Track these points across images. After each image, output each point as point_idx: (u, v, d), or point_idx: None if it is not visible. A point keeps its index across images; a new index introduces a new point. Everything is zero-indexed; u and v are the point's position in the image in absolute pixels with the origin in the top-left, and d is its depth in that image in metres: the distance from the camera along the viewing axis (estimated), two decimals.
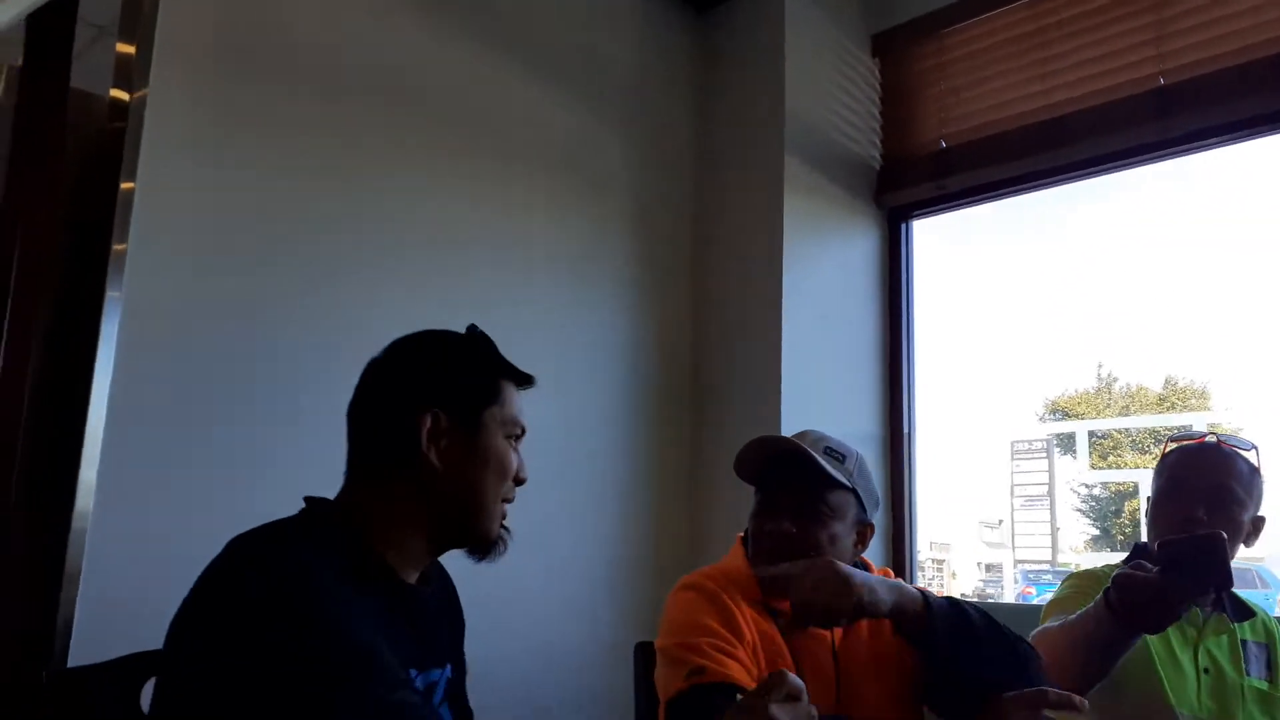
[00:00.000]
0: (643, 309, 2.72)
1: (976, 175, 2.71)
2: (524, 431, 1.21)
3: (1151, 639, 1.60)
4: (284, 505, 1.10)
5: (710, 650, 1.35)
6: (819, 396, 2.67)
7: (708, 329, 2.82)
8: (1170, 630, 1.61)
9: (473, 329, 1.23)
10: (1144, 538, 1.77)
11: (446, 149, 2.32)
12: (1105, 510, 19.18)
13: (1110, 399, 18.57)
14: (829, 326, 2.75)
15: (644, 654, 1.68)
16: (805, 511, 1.46)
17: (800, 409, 2.59)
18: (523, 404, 1.22)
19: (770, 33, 2.77)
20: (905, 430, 2.82)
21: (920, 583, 2.85)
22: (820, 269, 2.75)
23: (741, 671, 1.34)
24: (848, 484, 1.49)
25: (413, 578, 1.12)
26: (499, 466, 1.15)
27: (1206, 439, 1.71)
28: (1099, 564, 1.87)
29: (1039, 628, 1.65)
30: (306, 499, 1.11)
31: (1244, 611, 1.70)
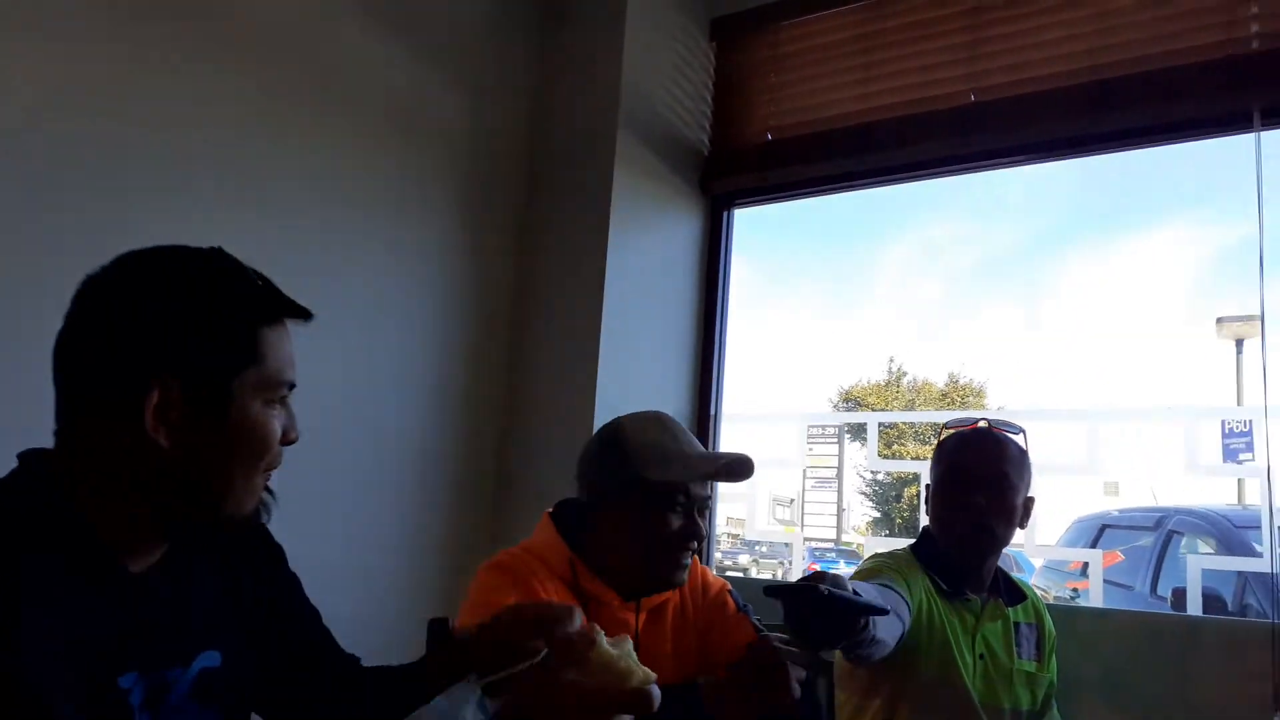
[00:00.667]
0: (462, 272, 2.63)
1: (798, 170, 2.78)
2: (293, 386, 0.98)
3: (938, 627, 1.68)
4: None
5: None
6: (634, 374, 2.69)
7: (528, 299, 2.77)
8: (953, 618, 1.71)
9: (219, 254, 0.95)
10: (924, 522, 1.87)
11: (259, 81, 2.13)
12: (887, 495, 20.70)
13: (898, 392, 20.02)
14: (649, 306, 2.76)
15: (438, 631, 1.62)
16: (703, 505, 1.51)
17: (616, 386, 2.60)
18: (299, 346, 0.99)
19: (612, 1, 2.74)
20: (712, 412, 2.89)
21: (716, 559, 2.93)
22: (644, 249, 2.76)
23: None
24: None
25: (143, 560, 0.93)
26: (254, 442, 0.92)
27: (979, 424, 1.80)
28: (877, 548, 1.97)
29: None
30: (21, 455, 0.92)
31: (1017, 595, 1.82)
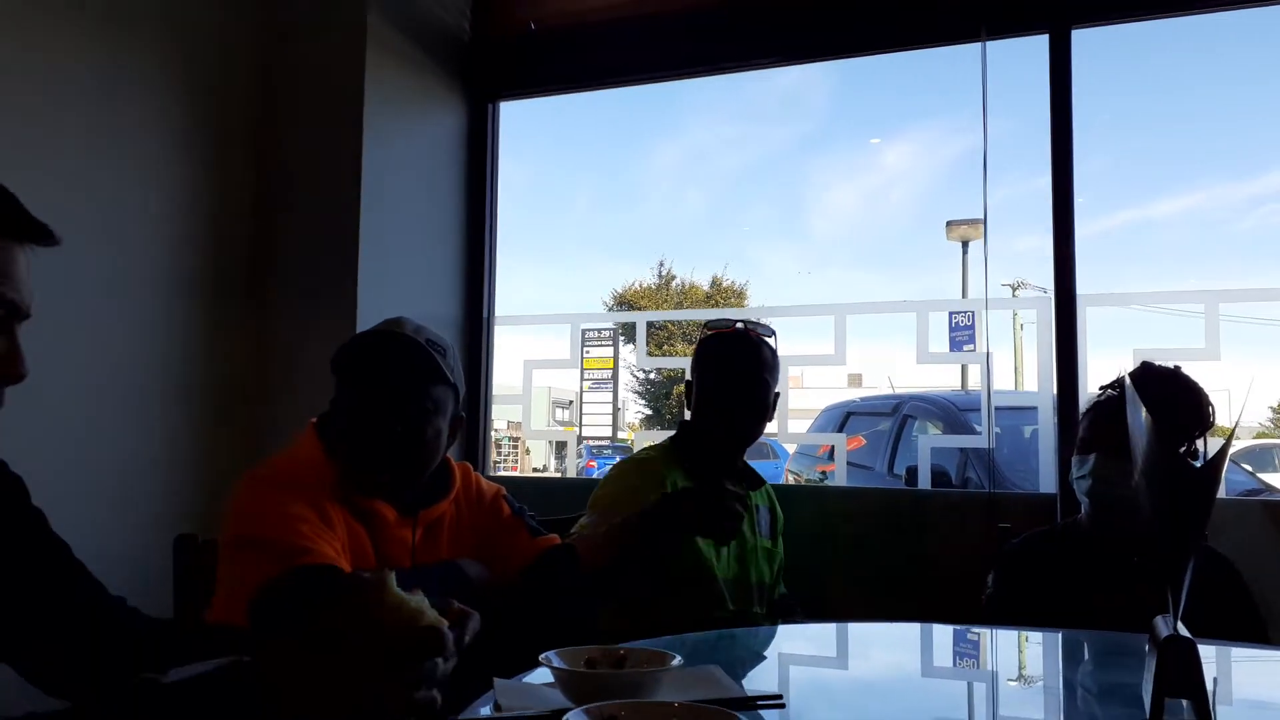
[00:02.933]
0: (195, 176, 2.38)
1: (564, 63, 2.72)
2: (19, 308, 0.88)
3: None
4: None
5: (311, 534, 1.25)
6: (399, 277, 2.57)
7: (275, 202, 2.55)
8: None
9: None
10: (687, 417, 1.95)
11: None
12: (658, 393, 21.57)
13: (668, 294, 20.68)
14: (411, 205, 2.63)
15: (186, 548, 1.51)
16: (413, 407, 1.38)
17: (377, 291, 2.47)
18: (27, 265, 0.88)
19: None
20: (485, 315, 2.83)
21: (493, 461, 2.92)
22: (404, 143, 2.61)
23: (343, 562, 1.26)
24: (450, 378, 1.44)
25: None
26: None
27: (737, 326, 1.91)
28: (646, 442, 2.05)
29: (582, 529, 1.74)
30: None
31: (757, 481, 1.96)
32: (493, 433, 2.94)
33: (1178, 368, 1.67)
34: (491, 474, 2.83)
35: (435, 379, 1.41)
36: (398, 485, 1.40)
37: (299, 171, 2.53)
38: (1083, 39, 2.33)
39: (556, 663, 0.95)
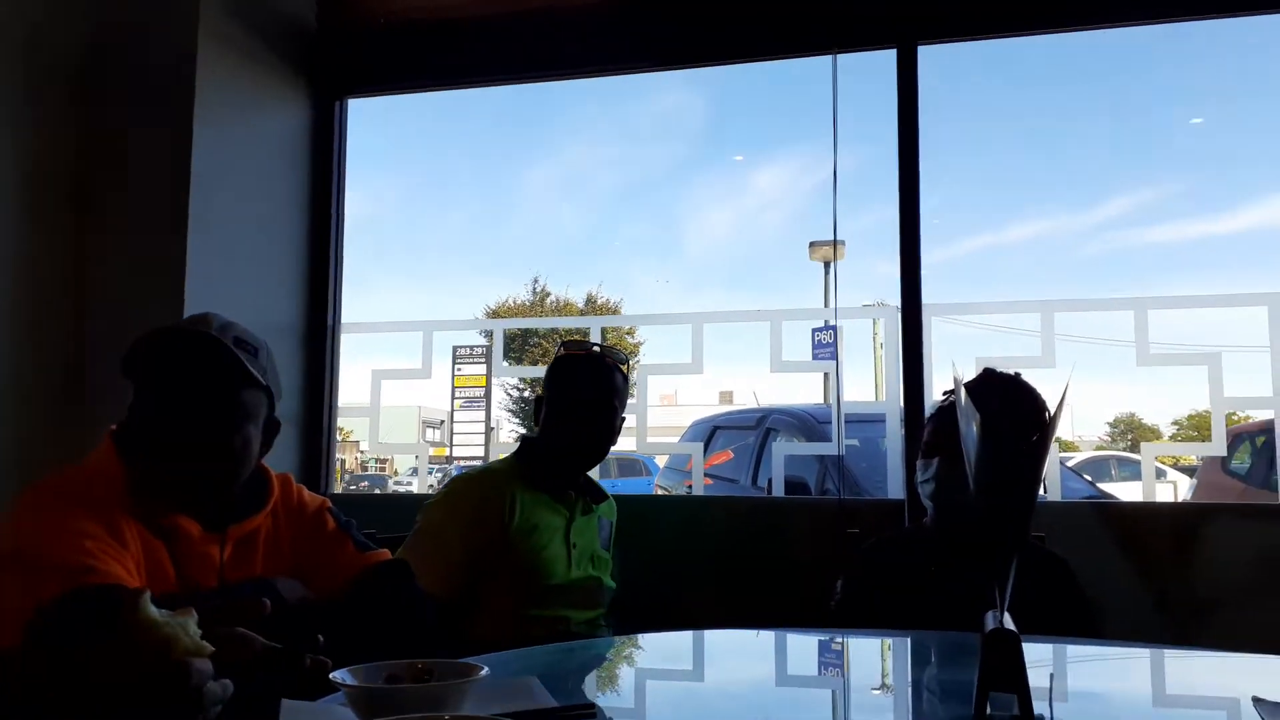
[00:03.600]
0: (6, 158, 2.16)
1: (418, 60, 2.62)
2: None
3: (536, 526, 1.81)
4: None
5: (97, 552, 1.13)
6: (232, 282, 2.41)
7: (96, 195, 2.35)
8: (552, 516, 1.87)
9: None
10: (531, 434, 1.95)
11: None
12: (531, 411, 21.48)
13: (543, 311, 20.56)
14: (249, 204, 2.48)
15: None
16: (218, 413, 1.26)
17: (207, 294, 2.30)
18: None
19: None
20: (330, 323, 2.69)
21: (341, 476, 2.78)
22: (240, 139, 2.45)
23: (134, 582, 1.15)
24: (263, 380, 1.32)
25: None
26: None
27: (593, 350, 1.95)
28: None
29: (412, 545, 1.74)
30: None
31: (601, 495, 2.00)
32: (357, 454, 2.80)
33: (1017, 374, 1.71)
34: (346, 492, 2.69)
35: (244, 382, 1.30)
36: (202, 499, 1.28)
37: (122, 163, 2.34)
38: (933, 57, 2.40)
39: (349, 680, 0.86)
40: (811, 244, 12.16)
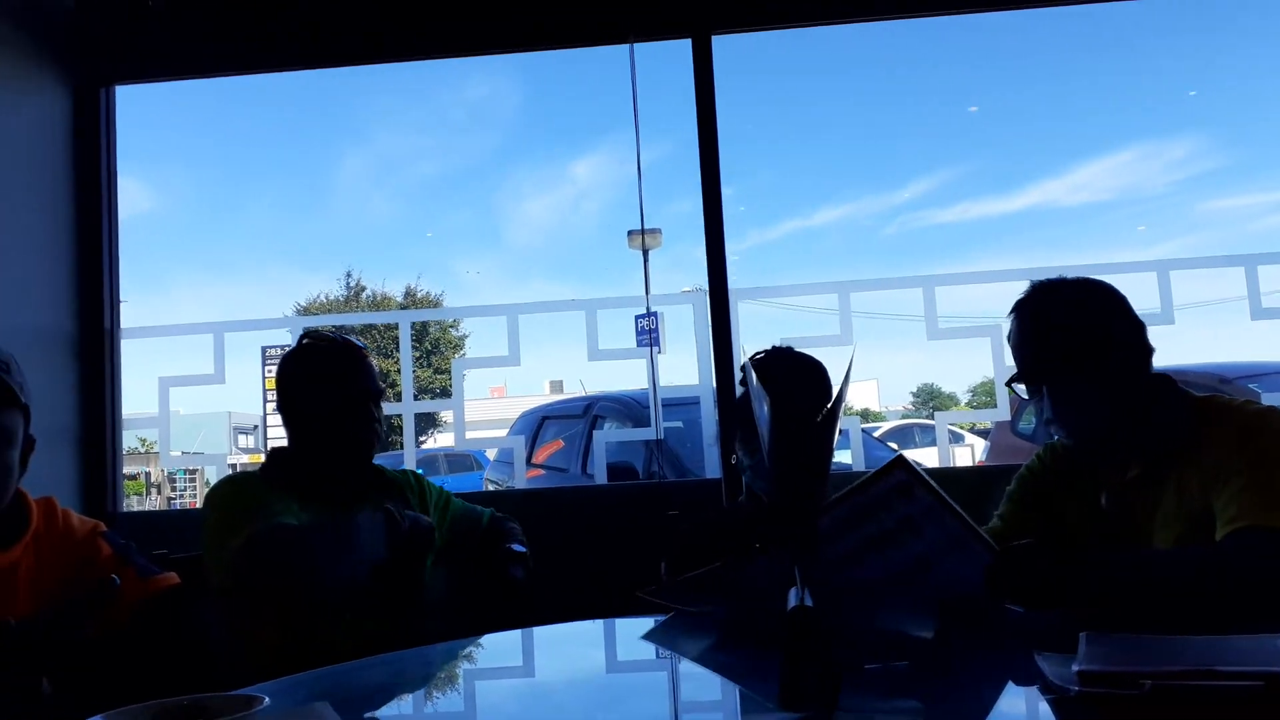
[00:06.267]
0: None
1: (189, 45, 2.44)
2: None
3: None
4: None
5: None
6: None
7: None
8: (323, 516, 1.65)
9: None
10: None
11: None
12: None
13: (359, 305, 19.82)
14: (7, 201, 2.21)
15: None
16: None
17: None
18: None
19: None
20: (107, 327, 2.46)
21: (168, 493, 2.56)
22: None
23: None
24: (22, 398, 1.21)
25: None
26: None
27: (344, 340, 1.74)
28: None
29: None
30: None
31: (389, 484, 1.79)
32: (160, 467, 2.57)
33: (789, 347, 1.77)
34: (157, 510, 2.47)
35: (3, 403, 1.17)
36: None
37: None
38: (729, 46, 2.45)
39: None
40: (630, 232, 12.31)
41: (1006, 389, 1.58)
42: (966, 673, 1.09)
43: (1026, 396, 1.48)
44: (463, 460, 11.14)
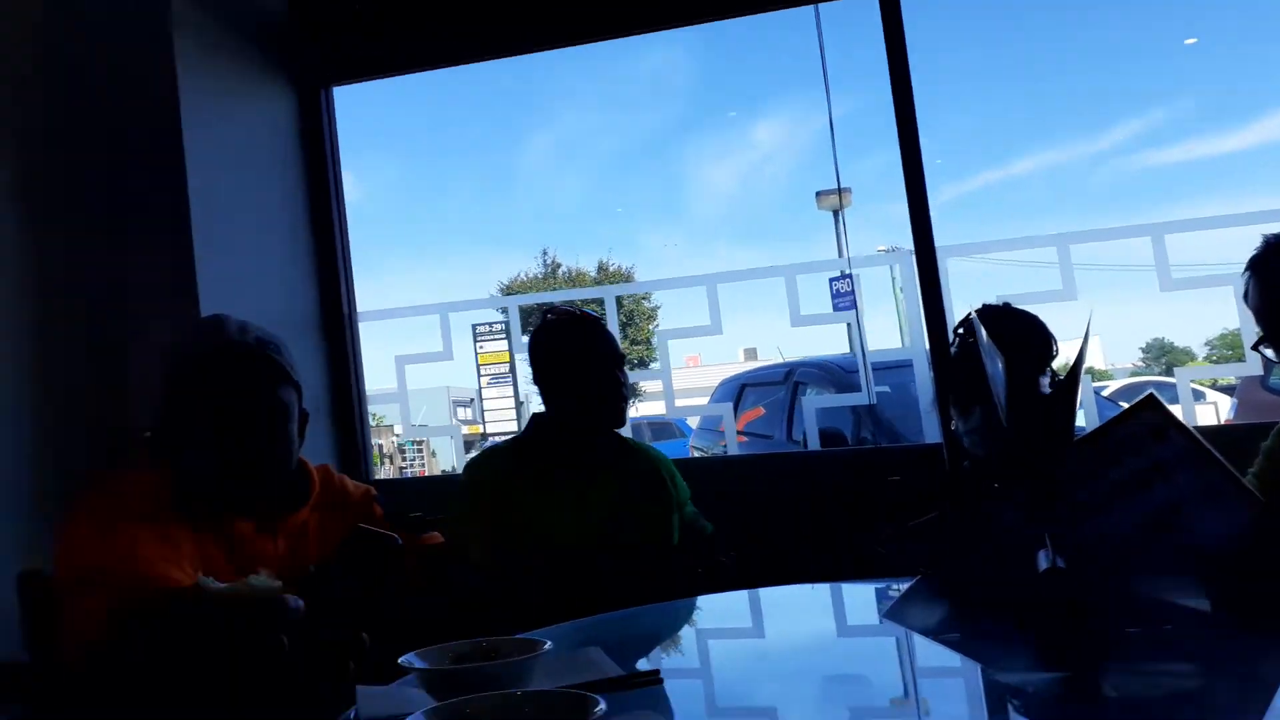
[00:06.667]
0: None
1: (399, 43, 2.58)
2: None
3: (541, 495, 1.77)
4: None
5: (155, 560, 1.16)
6: (244, 282, 2.40)
7: (90, 209, 2.33)
8: (560, 487, 1.80)
9: None
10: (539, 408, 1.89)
11: None
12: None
13: (555, 283, 20.58)
14: (246, 202, 2.45)
15: (32, 585, 1.37)
16: (263, 421, 1.29)
17: (224, 294, 2.29)
18: None
19: None
20: (346, 311, 2.69)
21: (399, 464, 2.81)
22: (228, 137, 2.42)
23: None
24: (294, 377, 1.35)
25: None
26: None
27: (586, 312, 1.90)
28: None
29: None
30: None
31: (624, 453, 1.91)
32: (393, 438, 2.81)
33: (1007, 304, 1.69)
34: (398, 478, 2.70)
35: (278, 381, 1.31)
36: (252, 499, 1.30)
37: (112, 169, 2.31)
38: None
39: (417, 663, 0.88)
40: (818, 193, 12.00)
41: (1255, 352, 1.44)
42: (1238, 641, 1.00)
43: (1277, 359, 1.35)
44: (665, 428, 11.37)
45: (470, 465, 1.89)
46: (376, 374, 2.89)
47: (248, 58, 2.50)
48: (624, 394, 1.84)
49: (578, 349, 1.83)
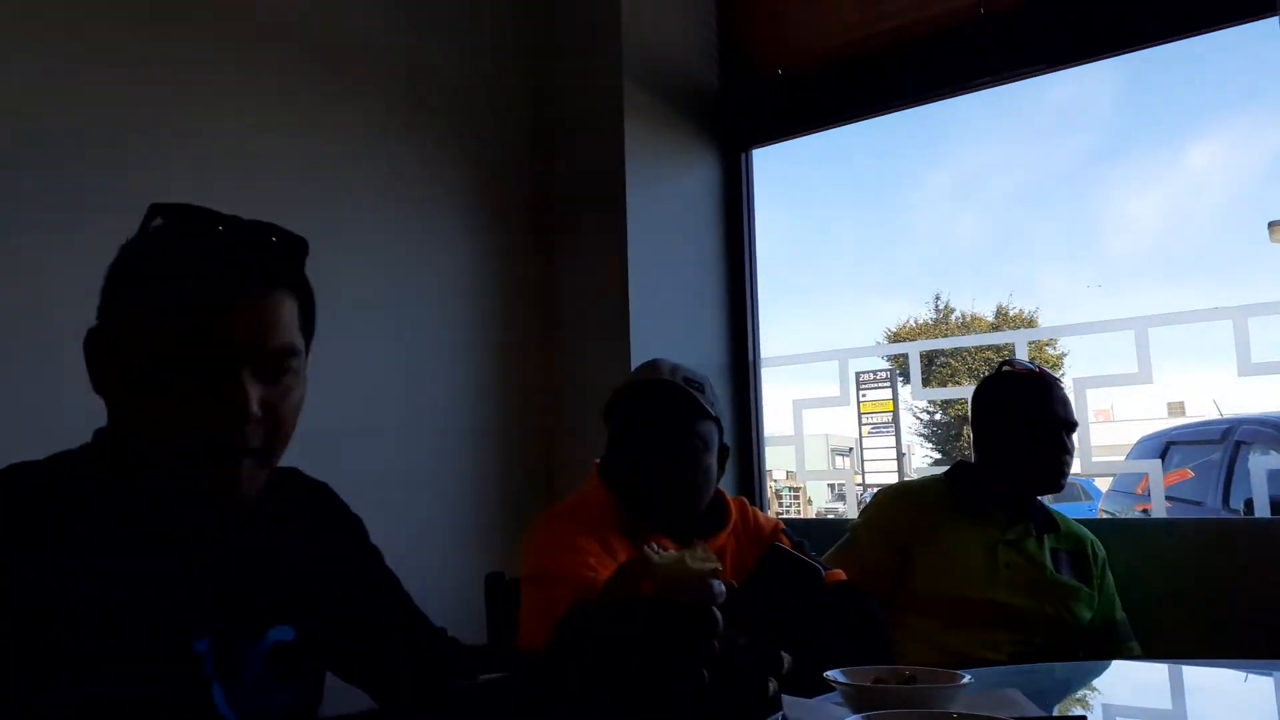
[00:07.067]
0: (484, 237, 2.63)
1: (813, 104, 2.72)
2: (223, 349, 0.84)
3: (941, 540, 1.77)
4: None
5: (598, 566, 1.34)
6: (667, 325, 2.67)
7: (552, 258, 2.76)
8: (977, 533, 1.80)
9: (154, 211, 0.88)
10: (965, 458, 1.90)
11: (259, 65, 2.14)
12: (946, 435, 20.54)
13: (947, 329, 19.73)
14: (673, 255, 2.73)
15: (495, 584, 1.67)
16: (679, 448, 1.45)
17: (649, 338, 2.58)
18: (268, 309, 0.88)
19: None
20: (750, 359, 2.86)
21: (775, 508, 2.93)
22: (663, 197, 2.72)
23: None
24: (712, 412, 1.49)
25: (217, 533, 0.92)
26: (147, 401, 0.84)
27: (1042, 370, 1.89)
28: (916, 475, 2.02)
29: (834, 555, 1.84)
30: (97, 430, 0.92)
31: (1051, 524, 1.87)
32: (770, 483, 2.93)
33: None
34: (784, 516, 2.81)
35: (699, 415, 1.46)
36: (675, 519, 1.46)
37: (571, 232, 2.73)
38: None
39: (843, 679, 0.94)
40: (1271, 224, 10.33)
41: None
42: None
43: None
44: (1068, 489, 10.37)
45: (884, 488, 1.97)
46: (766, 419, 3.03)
47: (683, 130, 2.80)
48: (1069, 461, 1.81)
49: (1032, 407, 1.81)
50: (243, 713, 0.89)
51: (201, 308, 0.84)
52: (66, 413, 1.04)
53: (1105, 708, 1.26)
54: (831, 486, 15.45)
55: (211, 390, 0.84)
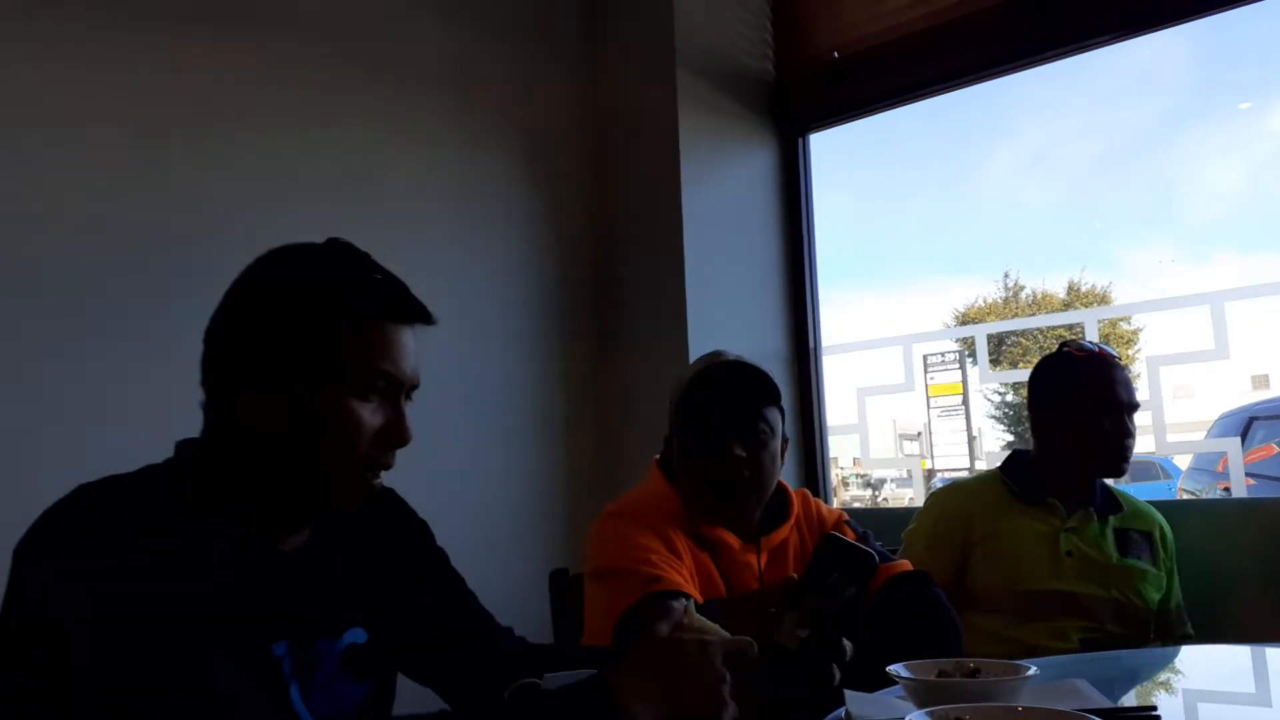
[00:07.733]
0: (540, 235, 2.66)
1: (868, 86, 2.68)
2: (400, 382, 0.95)
3: (998, 534, 1.75)
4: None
5: (660, 564, 1.34)
6: (725, 316, 2.66)
7: (609, 252, 2.78)
8: (1036, 524, 1.77)
9: (334, 244, 0.98)
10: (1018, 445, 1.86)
11: (319, 74, 2.20)
12: (1019, 416, 20.09)
13: (1017, 307, 19.21)
14: (730, 244, 2.72)
15: (559, 581, 1.68)
16: (750, 433, 1.43)
17: (706, 329, 2.58)
18: (412, 344, 0.97)
19: None
20: (811, 347, 2.83)
21: (842, 497, 2.92)
22: (719, 186, 2.72)
23: (690, 588, 1.34)
24: (779, 400, 1.49)
25: (293, 540, 0.97)
26: (335, 430, 0.91)
27: (1105, 350, 1.82)
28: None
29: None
30: (178, 444, 0.96)
31: (1114, 505, 1.83)
32: (836, 470, 2.90)
33: None
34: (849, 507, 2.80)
35: (770, 400, 1.45)
36: (741, 512, 1.45)
37: (627, 223, 2.74)
38: None
39: (905, 674, 0.93)
40: None
41: None
42: None
43: None
44: (1147, 468, 10.06)
45: (935, 491, 1.92)
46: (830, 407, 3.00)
47: (738, 117, 2.79)
48: (1131, 444, 1.76)
49: (1095, 388, 1.76)
50: (318, 713, 0.93)
51: None
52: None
53: (1186, 692, 1.23)
54: (902, 473, 15.26)
55: None
